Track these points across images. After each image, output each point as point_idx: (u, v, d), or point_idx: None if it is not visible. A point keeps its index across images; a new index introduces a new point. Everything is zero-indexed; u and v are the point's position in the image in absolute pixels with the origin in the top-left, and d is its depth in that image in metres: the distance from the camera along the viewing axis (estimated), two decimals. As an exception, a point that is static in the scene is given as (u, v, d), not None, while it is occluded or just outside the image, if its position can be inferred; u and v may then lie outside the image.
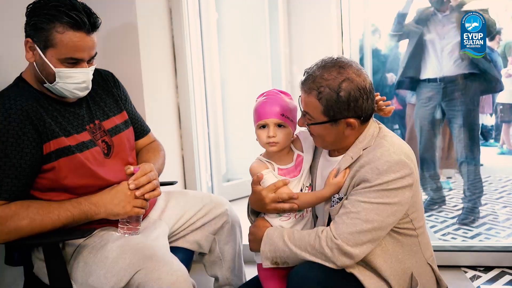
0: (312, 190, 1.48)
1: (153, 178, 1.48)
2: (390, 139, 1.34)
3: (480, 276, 2.21)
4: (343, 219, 1.27)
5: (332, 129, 1.33)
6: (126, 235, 1.44)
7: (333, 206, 1.34)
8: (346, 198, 1.31)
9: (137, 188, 1.44)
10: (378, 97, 1.46)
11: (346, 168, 1.35)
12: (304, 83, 1.34)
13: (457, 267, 2.29)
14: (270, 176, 1.43)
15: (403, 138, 3.60)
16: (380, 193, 1.25)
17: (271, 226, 1.44)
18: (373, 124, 1.38)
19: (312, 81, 1.31)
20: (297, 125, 1.46)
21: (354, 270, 1.29)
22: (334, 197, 1.35)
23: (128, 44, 2.13)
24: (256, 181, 1.44)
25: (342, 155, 1.37)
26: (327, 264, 1.26)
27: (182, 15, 2.36)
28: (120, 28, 2.12)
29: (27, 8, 1.38)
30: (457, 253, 2.32)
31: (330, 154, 1.45)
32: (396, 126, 4.25)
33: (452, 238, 2.90)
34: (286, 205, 1.39)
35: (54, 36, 1.34)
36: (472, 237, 2.88)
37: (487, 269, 2.26)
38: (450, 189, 3.90)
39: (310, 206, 1.44)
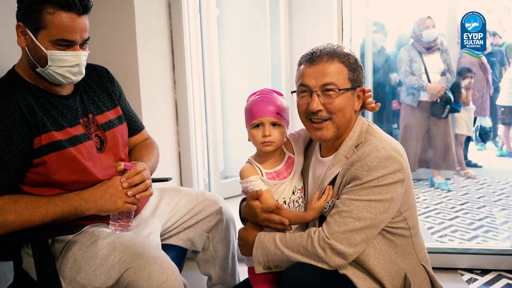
0: (304, 192, 1.47)
1: (146, 177, 1.46)
2: (379, 136, 1.32)
3: (477, 279, 2.20)
4: (335, 218, 1.25)
5: (350, 101, 1.33)
6: (117, 232, 1.42)
7: (326, 209, 1.33)
8: (338, 198, 1.29)
9: (130, 187, 1.41)
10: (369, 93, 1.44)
11: (329, 185, 1.33)
12: (320, 55, 1.32)
13: (454, 269, 2.28)
14: (259, 183, 1.41)
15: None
16: (371, 190, 1.23)
17: (262, 229, 1.42)
18: (362, 120, 1.38)
19: (331, 50, 1.32)
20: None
21: (347, 271, 1.27)
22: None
23: (125, 38, 2.11)
24: (255, 196, 1.40)
25: (333, 155, 1.36)
26: (320, 265, 1.24)
27: (181, 10, 2.34)
28: (117, 21, 2.10)
29: None
30: (454, 255, 2.30)
31: (322, 155, 1.43)
32: (395, 126, 4.24)
33: (449, 240, 2.89)
34: (279, 227, 1.37)
35: (45, 17, 1.32)
36: (470, 240, 2.87)
37: (484, 272, 2.25)
38: (449, 191, 3.88)
39: (293, 224, 1.40)
